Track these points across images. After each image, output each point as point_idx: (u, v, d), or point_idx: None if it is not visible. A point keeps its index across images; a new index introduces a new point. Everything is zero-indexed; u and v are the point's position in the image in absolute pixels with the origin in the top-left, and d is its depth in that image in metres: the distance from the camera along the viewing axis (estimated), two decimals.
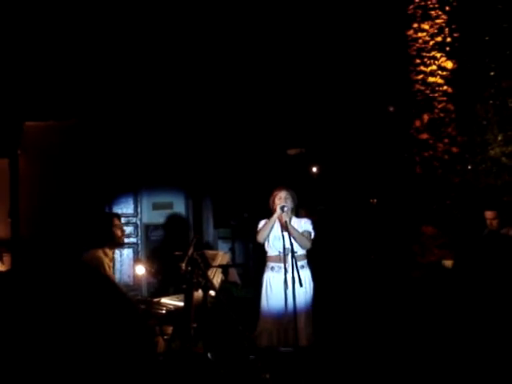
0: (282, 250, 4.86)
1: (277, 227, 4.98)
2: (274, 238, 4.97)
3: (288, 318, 4.73)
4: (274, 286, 4.91)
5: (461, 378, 4.16)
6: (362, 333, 5.66)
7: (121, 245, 4.67)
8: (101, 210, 7.61)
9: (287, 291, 4.79)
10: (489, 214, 5.41)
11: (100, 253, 4.27)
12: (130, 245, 7.83)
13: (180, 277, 4.16)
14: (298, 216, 5.15)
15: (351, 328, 5.79)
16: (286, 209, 4.84)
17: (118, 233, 4.40)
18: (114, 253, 4.57)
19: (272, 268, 4.96)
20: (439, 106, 7.24)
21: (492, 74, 6.90)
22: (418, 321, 5.43)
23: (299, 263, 4.85)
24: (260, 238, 4.99)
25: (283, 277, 4.82)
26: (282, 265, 4.82)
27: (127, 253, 7.91)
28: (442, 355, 4.55)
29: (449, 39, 7.25)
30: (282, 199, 4.93)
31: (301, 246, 4.86)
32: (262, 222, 5.05)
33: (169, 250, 6.77)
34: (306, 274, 4.94)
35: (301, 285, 4.50)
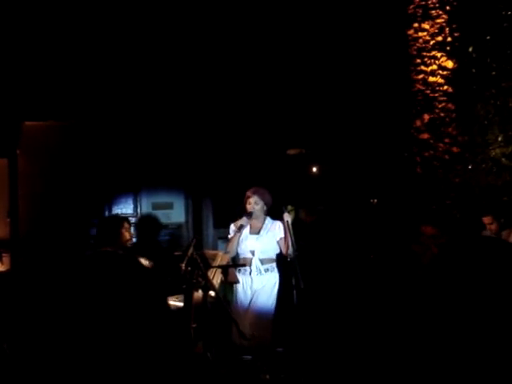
0: (249, 253, 4.88)
1: (245, 234, 4.96)
2: (244, 245, 4.95)
3: (248, 320, 4.75)
4: (240, 287, 4.91)
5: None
6: (361, 333, 5.64)
7: (126, 247, 4.73)
8: (112, 213, 7.65)
9: (248, 293, 4.84)
10: (486, 220, 5.40)
11: None
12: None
13: (180, 277, 4.15)
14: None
15: (350, 328, 5.78)
16: (243, 227, 4.84)
17: (126, 235, 4.50)
18: None
19: (239, 270, 4.96)
20: (440, 106, 7.22)
21: (493, 73, 6.88)
22: (417, 321, 5.41)
23: (264, 266, 4.88)
24: (229, 250, 4.95)
25: (249, 279, 4.85)
26: (248, 268, 4.85)
27: None
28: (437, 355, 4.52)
29: (449, 39, 7.22)
30: (251, 204, 4.92)
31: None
32: (232, 227, 5.02)
33: (168, 250, 6.75)
34: (271, 278, 4.92)
35: (301, 286, 4.50)
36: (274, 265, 5.00)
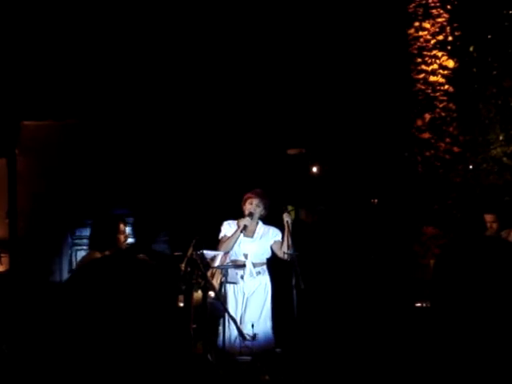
0: (242, 256, 4.84)
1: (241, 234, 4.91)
2: (238, 248, 4.90)
3: (245, 322, 4.71)
4: (229, 291, 4.87)
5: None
6: (360, 333, 5.63)
7: (121, 250, 4.66)
8: (107, 213, 7.59)
9: (239, 297, 4.80)
10: (488, 217, 5.39)
11: (98, 256, 4.26)
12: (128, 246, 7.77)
13: (179, 277, 4.13)
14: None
15: (349, 328, 5.76)
16: (247, 227, 4.78)
17: (121, 238, 4.41)
18: None
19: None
20: (441, 106, 7.21)
21: (494, 73, 6.87)
22: (417, 321, 5.40)
23: (256, 269, 4.85)
24: (226, 248, 4.86)
25: (241, 282, 4.81)
26: (239, 271, 4.81)
27: None
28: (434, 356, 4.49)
29: (450, 38, 7.22)
30: (252, 205, 4.88)
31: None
32: (226, 226, 4.95)
33: (167, 250, 6.72)
34: (262, 281, 4.89)
35: (301, 286, 4.47)
36: (265, 267, 4.98)
